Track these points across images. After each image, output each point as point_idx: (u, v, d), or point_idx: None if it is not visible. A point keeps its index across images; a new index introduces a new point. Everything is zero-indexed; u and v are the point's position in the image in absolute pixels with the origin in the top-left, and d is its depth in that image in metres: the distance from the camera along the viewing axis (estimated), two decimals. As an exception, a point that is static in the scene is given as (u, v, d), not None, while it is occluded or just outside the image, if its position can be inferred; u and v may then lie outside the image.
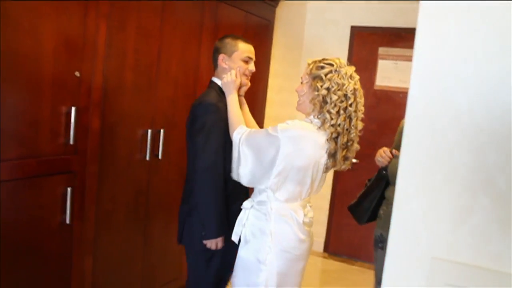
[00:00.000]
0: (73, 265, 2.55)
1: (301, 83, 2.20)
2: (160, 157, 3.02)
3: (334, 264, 4.66)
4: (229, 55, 2.38)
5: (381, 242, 2.56)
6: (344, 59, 4.75)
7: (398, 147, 2.61)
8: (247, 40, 2.46)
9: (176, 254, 3.36)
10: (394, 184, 2.47)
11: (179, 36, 3.09)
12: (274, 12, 4.16)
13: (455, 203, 0.94)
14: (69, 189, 2.42)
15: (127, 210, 2.90)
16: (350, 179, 4.74)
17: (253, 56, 2.42)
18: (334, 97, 2.05)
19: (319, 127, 2.08)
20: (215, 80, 2.44)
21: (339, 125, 2.06)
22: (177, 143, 3.19)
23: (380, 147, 2.61)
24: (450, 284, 0.93)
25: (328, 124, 2.06)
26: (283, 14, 4.41)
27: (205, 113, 2.26)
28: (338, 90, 2.05)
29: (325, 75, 2.07)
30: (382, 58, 4.64)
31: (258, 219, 2.17)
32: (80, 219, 2.54)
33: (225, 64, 2.39)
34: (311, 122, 2.12)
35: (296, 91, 2.22)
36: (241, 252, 2.22)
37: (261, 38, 4.04)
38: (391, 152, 2.54)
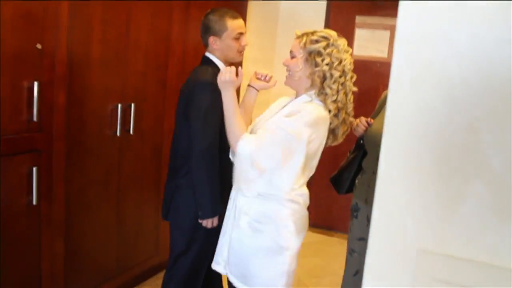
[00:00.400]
0: (42, 248, 2.44)
1: (292, 57, 2.08)
2: (131, 132, 2.90)
3: (313, 236, 4.64)
4: (219, 35, 2.32)
5: (355, 211, 2.54)
6: (320, 27, 4.69)
7: (374, 116, 2.55)
8: (234, 13, 2.37)
9: (152, 231, 3.28)
10: (370, 153, 2.44)
11: (149, 5, 2.93)
12: (248, -19, 4.01)
13: (445, 188, 0.82)
14: (34, 169, 2.30)
15: (98, 188, 2.79)
16: (328, 151, 4.68)
17: (243, 30, 2.36)
18: (336, 74, 2.00)
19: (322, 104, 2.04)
20: (209, 55, 2.38)
21: (339, 101, 2.02)
22: (149, 117, 3.07)
23: (358, 117, 2.55)
24: (439, 280, 0.81)
25: (330, 100, 2.01)
26: (257, -18, 4.26)
27: (201, 93, 2.21)
28: (338, 65, 2.00)
29: (324, 50, 1.99)
30: (359, 27, 4.54)
31: (269, 207, 2.05)
32: (48, 199, 2.43)
33: (216, 45, 2.34)
34: (311, 99, 2.05)
35: (286, 65, 2.09)
36: (253, 242, 2.07)
37: (235, 8, 3.87)
38: (367, 121, 2.48)
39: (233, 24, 2.32)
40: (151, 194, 3.22)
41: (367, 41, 4.50)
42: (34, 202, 2.31)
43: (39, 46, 2.24)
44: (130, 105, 2.87)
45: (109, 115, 2.76)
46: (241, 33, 2.35)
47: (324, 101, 2.02)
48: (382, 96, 2.56)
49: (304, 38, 2.04)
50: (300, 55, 2.04)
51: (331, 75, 2.00)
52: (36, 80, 2.24)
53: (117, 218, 2.97)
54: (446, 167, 0.81)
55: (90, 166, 2.70)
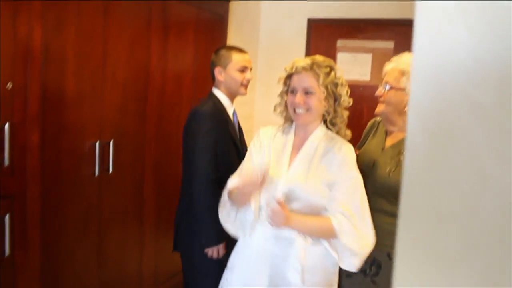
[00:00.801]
0: (17, 301, 2.26)
1: (307, 93, 1.92)
2: (111, 170, 2.75)
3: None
4: (224, 67, 2.44)
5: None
6: (302, 53, 4.64)
7: (363, 145, 2.42)
8: (241, 49, 2.51)
9: (135, 271, 3.10)
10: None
11: (126, 36, 2.81)
12: (227, 7, 3.92)
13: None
14: (7, 216, 2.13)
15: (77, 231, 2.61)
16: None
17: (248, 64, 2.49)
18: (346, 98, 1.99)
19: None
20: (215, 91, 2.49)
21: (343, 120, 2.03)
22: (129, 153, 2.93)
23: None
24: None
25: (344, 124, 2.03)
26: (237, 9, 4.18)
27: (197, 122, 2.32)
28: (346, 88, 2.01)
29: (338, 79, 1.97)
30: (341, 51, 4.49)
31: (322, 256, 1.91)
32: (23, 248, 2.25)
33: (221, 76, 2.45)
34: (324, 127, 2.02)
35: (307, 104, 1.93)
36: None
37: (215, 35, 3.79)
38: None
39: (238, 56, 2.45)
40: (133, 232, 3.05)
41: (349, 65, 4.44)
42: (7, 253, 2.14)
43: (9, 85, 2.09)
44: (109, 142, 2.72)
45: (86, 154, 2.61)
46: (245, 67, 2.45)
47: (339, 127, 2.00)
48: (368, 125, 2.45)
49: (320, 74, 1.91)
50: (320, 90, 1.92)
51: (344, 100, 1.97)
52: (7, 121, 2.09)
53: (98, 260, 2.79)
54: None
55: (68, 209, 2.53)
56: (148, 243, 3.17)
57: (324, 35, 4.54)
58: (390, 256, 1.99)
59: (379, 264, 2.02)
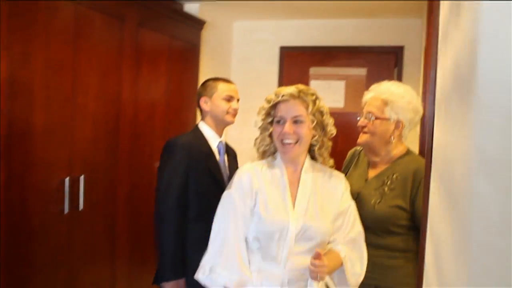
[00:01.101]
0: None
1: (296, 121, 1.78)
2: (81, 208, 2.59)
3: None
4: (210, 96, 2.39)
5: None
6: (274, 80, 4.60)
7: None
8: (228, 80, 2.48)
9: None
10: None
11: (96, 66, 2.70)
12: (199, 35, 3.85)
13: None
14: (-32, 262, 1.96)
15: (45, 274, 2.44)
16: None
17: (234, 94, 2.43)
18: (332, 128, 1.89)
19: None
20: (200, 124, 2.44)
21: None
22: (101, 188, 2.78)
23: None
24: None
25: (327, 152, 1.90)
26: (209, 37, 4.12)
27: (168, 153, 2.28)
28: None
29: (323, 107, 1.86)
30: (314, 78, 4.47)
31: None
32: (-15, 296, 2.08)
33: (207, 106, 2.40)
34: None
35: (297, 134, 1.79)
36: None
37: (187, 63, 3.72)
38: None
39: (224, 86, 2.41)
40: (105, 270, 2.89)
41: (323, 92, 4.36)
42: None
43: (-29, 120, 1.95)
44: (79, 178, 2.58)
45: (55, 191, 2.45)
46: (231, 96, 2.40)
47: (324, 157, 1.88)
48: (348, 155, 2.38)
49: (309, 102, 1.79)
50: (309, 119, 1.80)
51: (330, 130, 1.87)
52: (-32, 160, 1.94)
53: (67, 304, 2.61)
54: None
55: (35, 251, 2.36)
56: (121, 280, 3.00)
57: (296, 63, 4.52)
58: None
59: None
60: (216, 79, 2.45)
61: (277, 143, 1.82)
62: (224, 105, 2.37)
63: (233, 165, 2.47)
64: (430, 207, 1.31)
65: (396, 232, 1.96)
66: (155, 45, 3.28)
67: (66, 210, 2.50)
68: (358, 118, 2.11)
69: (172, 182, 2.21)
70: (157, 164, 3.28)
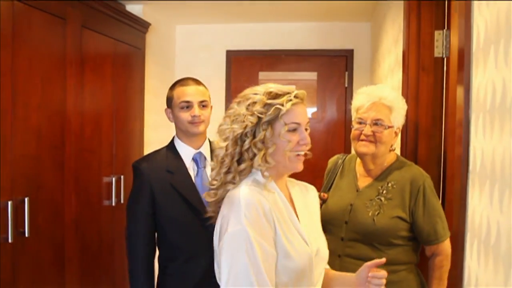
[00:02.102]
0: None
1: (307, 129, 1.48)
2: (27, 234, 2.26)
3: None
4: (171, 107, 2.09)
5: None
6: (222, 86, 4.41)
7: (329, 187, 2.19)
8: (188, 81, 2.09)
9: None
10: (332, 233, 2.08)
11: (38, 72, 2.38)
12: (144, 39, 3.59)
13: None
14: None
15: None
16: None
17: (192, 98, 2.03)
18: None
19: None
20: (174, 138, 2.14)
21: None
22: (47, 210, 2.46)
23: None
24: None
25: None
26: (152, 41, 3.86)
27: (133, 177, 2.07)
28: None
29: None
30: (263, 83, 4.32)
31: None
32: None
33: (172, 118, 2.10)
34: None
35: (309, 143, 1.48)
36: None
37: (133, 68, 3.44)
38: (321, 197, 2.11)
39: (179, 91, 2.05)
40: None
41: (273, 97, 4.28)
42: None
43: None
44: (23, 200, 2.25)
45: (-4, 217, 2.12)
46: (186, 101, 2.03)
47: None
48: (330, 164, 2.23)
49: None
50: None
51: None
52: None
53: None
54: None
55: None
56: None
57: (245, 67, 4.37)
58: None
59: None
60: (175, 83, 2.12)
61: (289, 154, 1.45)
62: (182, 115, 2.03)
63: None
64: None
65: (397, 244, 1.85)
66: (100, 48, 2.99)
67: (10, 238, 2.16)
68: (355, 127, 1.96)
69: (135, 209, 2.02)
70: (106, 179, 3.06)
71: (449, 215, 1.84)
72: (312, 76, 4.28)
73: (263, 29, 4.34)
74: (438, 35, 2.30)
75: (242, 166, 1.45)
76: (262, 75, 4.34)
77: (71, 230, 2.66)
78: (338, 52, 4.26)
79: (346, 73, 4.23)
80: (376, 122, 1.90)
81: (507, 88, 1.06)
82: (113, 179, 3.10)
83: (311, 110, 4.22)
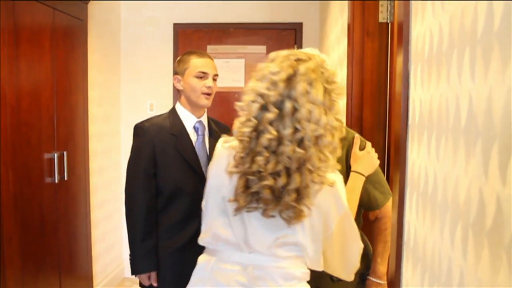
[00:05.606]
0: None
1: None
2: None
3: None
4: (182, 74, 2.17)
5: None
6: (169, 60, 4.30)
7: None
8: (203, 53, 2.23)
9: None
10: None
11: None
12: (86, 10, 3.43)
13: None
14: None
15: None
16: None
17: (209, 70, 2.16)
18: None
19: None
20: (176, 105, 2.25)
21: None
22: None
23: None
24: None
25: None
26: (96, 12, 3.71)
27: (133, 136, 2.17)
28: None
29: None
30: (212, 57, 4.25)
31: None
32: None
33: (180, 85, 2.19)
34: None
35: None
36: None
37: (75, 40, 3.29)
38: None
39: (197, 61, 2.15)
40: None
41: (222, 71, 4.18)
42: None
43: None
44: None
45: None
46: (204, 72, 2.14)
47: None
48: None
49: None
50: None
51: None
52: None
53: None
54: None
55: None
56: (13, 290, 2.57)
57: (192, 41, 4.27)
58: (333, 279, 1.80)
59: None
60: (190, 53, 2.20)
61: None
62: (196, 84, 2.13)
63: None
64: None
65: None
66: (38, 18, 2.83)
67: None
68: None
69: (136, 168, 2.11)
70: (48, 155, 2.93)
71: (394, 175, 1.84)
72: (261, 49, 4.23)
73: (211, 2, 4.25)
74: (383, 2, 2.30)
75: None
76: (210, 48, 4.26)
77: (9, 208, 2.54)
78: (287, 25, 4.23)
79: (296, 46, 4.20)
80: None
81: (443, 32, 1.05)
82: (56, 155, 2.97)
83: (261, 84, 4.19)
